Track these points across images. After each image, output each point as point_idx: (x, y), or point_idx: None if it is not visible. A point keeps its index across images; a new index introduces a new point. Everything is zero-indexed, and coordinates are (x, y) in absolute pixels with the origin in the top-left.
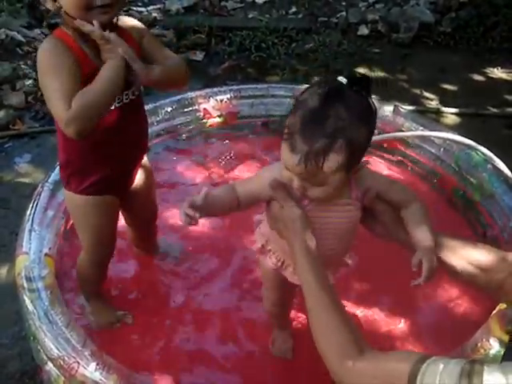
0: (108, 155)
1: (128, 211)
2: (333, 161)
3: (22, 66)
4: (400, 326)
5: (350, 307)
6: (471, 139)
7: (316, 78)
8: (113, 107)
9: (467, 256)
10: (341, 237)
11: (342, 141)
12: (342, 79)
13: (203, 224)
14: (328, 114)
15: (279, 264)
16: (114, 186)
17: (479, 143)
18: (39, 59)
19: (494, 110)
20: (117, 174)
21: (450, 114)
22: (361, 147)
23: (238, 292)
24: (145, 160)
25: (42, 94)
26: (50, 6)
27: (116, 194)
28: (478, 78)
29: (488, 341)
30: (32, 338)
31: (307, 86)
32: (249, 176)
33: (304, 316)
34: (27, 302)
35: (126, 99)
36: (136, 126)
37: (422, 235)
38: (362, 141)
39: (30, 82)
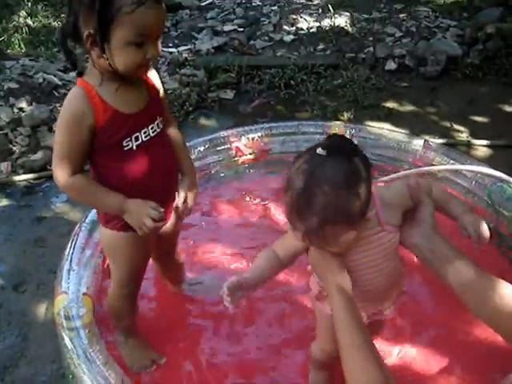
0: (144, 190)
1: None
2: (332, 231)
3: (59, 108)
4: (440, 364)
5: (386, 344)
6: (503, 171)
7: (345, 114)
8: (140, 141)
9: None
10: (382, 267)
11: (333, 214)
12: (321, 151)
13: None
14: (313, 193)
15: None
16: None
17: (510, 175)
18: (62, 109)
19: None
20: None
21: (481, 147)
22: (357, 206)
23: (277, 332)
24: None
25: None
26: (96, 60)
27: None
28: (507, 109)
29: None
30: (71, 376)
31: (298, 154)
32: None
33: None
34: (66, 340)
35: (153, 132)
36: (166, 157)
37: (456, 209)
38: (353, 202)
39: None
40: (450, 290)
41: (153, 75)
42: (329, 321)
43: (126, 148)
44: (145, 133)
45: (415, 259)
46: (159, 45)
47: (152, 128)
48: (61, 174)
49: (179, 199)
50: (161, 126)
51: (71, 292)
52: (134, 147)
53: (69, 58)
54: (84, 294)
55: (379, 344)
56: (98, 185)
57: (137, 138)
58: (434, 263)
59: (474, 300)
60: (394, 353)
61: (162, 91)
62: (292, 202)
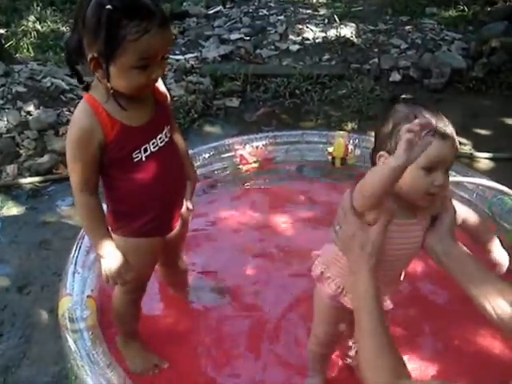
0: (154, 198)
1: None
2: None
3: (66, 113)
4: (438, 373)
5: None
6: (505, 184)
7: (349, 124)
8: (149, 152)
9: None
10: (405, 258)
11: None
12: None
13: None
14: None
15: (339, 291)
16: (160, 227)
17: None
18: (71, 125)
19: None
20: (162, 214)
21: (483, 159)
22: None
23: (278, 335)
24: None
25: None
26: (101, 80)
27: (161, 234)
28: (510, 122)
29: None
30: (74, 377)
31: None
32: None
33: (339, 364)
34: (70, 342)
35: (161, 142)
36: (175, 164)
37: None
38: None
39: None
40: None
41: (159, 82)
42: (325, 303)
43: (135, 160)
44: (153, 143)
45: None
46: (165, 64)
47: (160, 138)
48: (74, 187)
49: (185, 205)
50: (168, 134)
51: (75, 294)
52: (144, 158)
53: (74, 73)
54: (88, 296)
55: None
56: (100, 216)
57: (146, 150)
58: (449, 266)
59: (488, 303)
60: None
61: (168, 98)
62: (433, 117)
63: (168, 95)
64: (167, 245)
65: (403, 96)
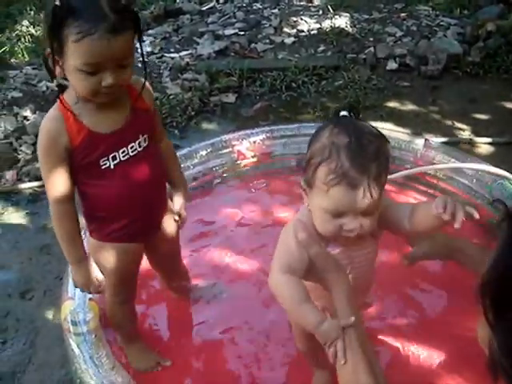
0: (123, 205)
1: (151, 253)
2: (384, 182)
3: None
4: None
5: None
6: (505, 168)
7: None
8: (118, 160)
9: None
10: (365, 271)
11: (384, 157)
12: (344, 113)
13: (240, 262)
14: (362, 143)
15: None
16: (136, 234)
17: None
18: (40, 133)
19: None
20: (136, 222)
21: (483, 144)
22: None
23: (277, 334)
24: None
25: None
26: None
27: (138, 241)
28: (509, 106)
29: None
30: (78, 381)
31: (316, 131)
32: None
33: None
34: (73, 345)
35: (133, 151)
36: (150, 172)
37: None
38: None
39: None
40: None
41: (146, 92)
42: None
43: (103, 167)
44: (123, 152)
45: None
46: (124, 72)
47: (132, 147)
48: (47, 194)
49: (176, 209)
50: (145, 143)
51: (77, 298)
52: (112, 166)
53: (47, 69)
54: (90, 299)
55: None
56: (74, 225)
57: (114, 158)
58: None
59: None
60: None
61: (152, 107)
62: (347, 158)
63: (152, 105)
64: (160, 250)
65: (343, 113)
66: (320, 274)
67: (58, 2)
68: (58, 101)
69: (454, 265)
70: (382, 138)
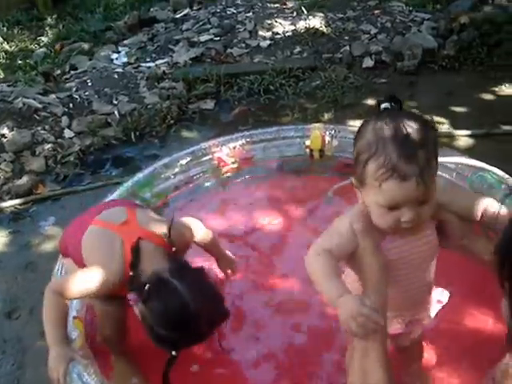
0: None
1: None
2: (435, 167)
3: (41, 132)
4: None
5: None
6: (485, 160)
7: (326, 115)
8: None
9: None
10: (423, 268)
11: (431, 144)
12: (386, 105)
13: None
14: (407, 133)
15: None
16: None
17: (495, 163)
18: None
19: (506, 128)
20: None
21: (462, 137)
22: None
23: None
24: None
25: (62, 157)
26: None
27: None
28: (486, 97)
29: None
30: None
31: (360, 128)
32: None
33: None
34: None
35: None
36: None
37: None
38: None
39: (49, 146)
40: None
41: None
42: None
43: None
44: None
45: None
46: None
47: None
48: (55, 287)
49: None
50: None
51: None
52: None
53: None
54: (74, 317)
55: None
56: (61, 317)
57: None
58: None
59: None
60: None
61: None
62: (394, 151)
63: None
64: None
65: (384, 106)
66: (360, 271)
67: None
68: None
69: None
70: (426, 124)
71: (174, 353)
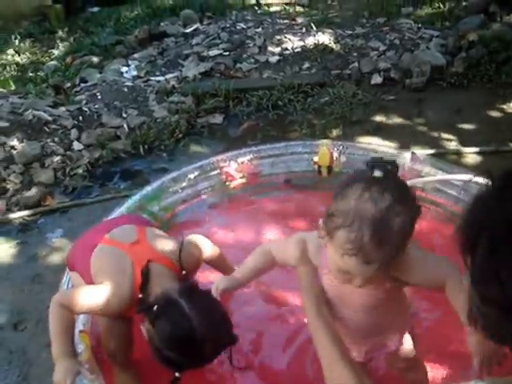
0: None
1: None
2: (404, 249)
3: (50, 144)
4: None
5: None
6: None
7: (334, 131)
8: None
9: None
10: (367, 312)
11: (408, 230)
12: (379, 173)
13: None
14: (387, 217)
15: None
16: None
17: None
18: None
19: None
20: None
21: (471, 154)
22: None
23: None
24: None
25: (70, 169)
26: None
27: None
28: (494, 114)
29: None
30: None
31: (346, 183)
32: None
33: None
34: None
35: None
36: None
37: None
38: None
39: (58, 158)
40: None
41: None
42: None
43: None
44: None
45: None
46: None
47: None
48: (62, 301)
49: None
50: None
51: None
52: None
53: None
54: (81, 331)
55: None
56: (72, 330)
57: None
58: None
59: None
60: None
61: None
62: (369, 233)
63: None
64: None
65: (377, 174)
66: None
67: None
68: None
69: None
70: (412, 208)
71: (177, 374)
